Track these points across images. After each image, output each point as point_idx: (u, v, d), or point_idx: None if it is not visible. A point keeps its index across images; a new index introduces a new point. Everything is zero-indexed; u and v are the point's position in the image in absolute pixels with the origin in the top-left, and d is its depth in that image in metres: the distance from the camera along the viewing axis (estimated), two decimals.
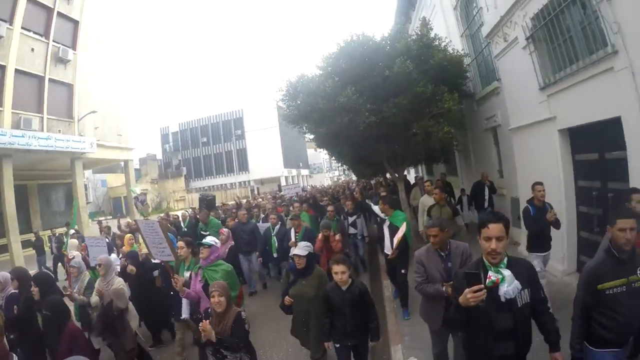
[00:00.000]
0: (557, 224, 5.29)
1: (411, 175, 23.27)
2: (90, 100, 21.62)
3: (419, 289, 4.05)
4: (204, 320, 3.51)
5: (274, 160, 50.94)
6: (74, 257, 6.36)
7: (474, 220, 10.25)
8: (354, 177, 39.05)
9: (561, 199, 6.23)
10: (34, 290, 4.88)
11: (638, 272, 2.79)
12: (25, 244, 16.94)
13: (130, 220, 14.11)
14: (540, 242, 5.37)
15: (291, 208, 10.33)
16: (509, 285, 2.42)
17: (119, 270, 6.39)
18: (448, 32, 11.87)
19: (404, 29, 14.81)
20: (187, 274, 5.36)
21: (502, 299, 2.44)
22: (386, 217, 6.68)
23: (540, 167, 6.94)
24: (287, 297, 4.80)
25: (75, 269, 5.93)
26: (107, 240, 8.47)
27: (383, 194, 8.88)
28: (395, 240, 6.06)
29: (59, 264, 12.78)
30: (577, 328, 2.95)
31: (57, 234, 14.64)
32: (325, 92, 8.74)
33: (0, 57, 16.49)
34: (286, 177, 52.58)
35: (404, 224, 6.17)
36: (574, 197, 6.22)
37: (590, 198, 5.89)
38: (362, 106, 8.57)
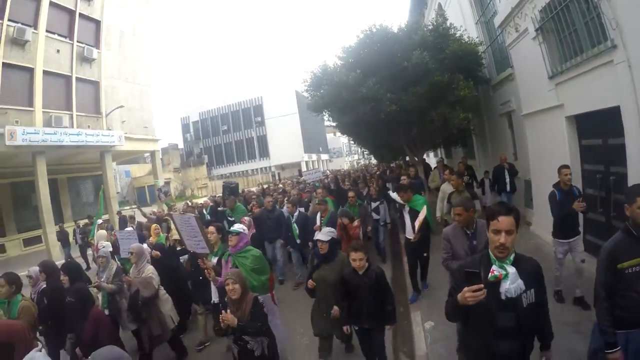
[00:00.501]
0: (585, 212, 5.12)
1: (431, 158, 23.63)
2: (116, 96, 22.46)
3: (445, 264, 4.29)
4: (223, 312, 3.65)
5: (294, 146, 51.60)
6: (103, 247, 6.54)
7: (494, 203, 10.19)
8: (373, 161, 39.51)
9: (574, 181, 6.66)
10: (64, 279, 4.97)
11: None
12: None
13: (156, 210, 14.72)
14: (565, 228, 5.23)
15: (314, 194, 10.42)
16: (511, 284, 2.36)
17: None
18: (463, 19, 12.18)
19: (420, 19, 15.21)
20: (214, 260, 5.45)
21: (503, 297, 2.37)
22: (405, 203, 6.73)
23: (550, 151, 7.35)
24: (310, 280, 4.85)
25: (103, 259, 6.09)
26: (135, 232, 8.44)
27: (403, 179, 8.85)
28: (417, 223, 6.14)
29: (88, 251, 13.51)
30: (604, 311, 2.90)
31: (80, 226, 15.39)
32: (348, 84, 9.36)
33: (27, 60, 17.27)
34: (306, 162, 53.15)
35: (424, 207, 6.29)
36: (581, 180, 6.62)
37: (594, 181, 6.29)
38: (382, 95, 9.23)
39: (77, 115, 19.71)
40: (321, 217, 7.87)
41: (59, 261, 8.18)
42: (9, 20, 16.30)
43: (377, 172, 18.97)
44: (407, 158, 15.53)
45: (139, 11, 25.35)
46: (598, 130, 6.05)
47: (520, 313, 2.37)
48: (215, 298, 5.60)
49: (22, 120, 16.79)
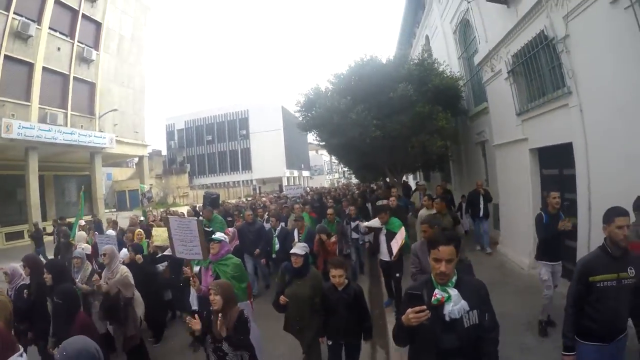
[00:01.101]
0: (570, 234, 5.34)
1: (410, 180, 24.64)
2: (110, 98, 23.01)
3: (413, 278, 4.50)
4: (188, 317, 3.68)
5: (277, 161, 51.98)
6: (82, 249, 6.68)
7: (471, 227, 10.87)
8: (354, 180, 40.42)
9: (530, 205, 7.56)
10: (47, 277, 4.87)
11: (628, 270, 2.99)
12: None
13: (134, 216, 14.52)
14: (549, 250, 5.31)
15: (293, 209, 10.55)
16: (454, 305, 2.43)
17: (122, 260, 6.48)
18: (447, 53, 13.28)
19: (407, 52, 16.46)
20: (196, 268, 5.50)
21: (447, 318, 2.44)
22: (382, 226, 6.90)
23: (516, 179, 8.28)
24: (281, 296, 4.80)
25: (79, 260, 6.16)
26: (115, 236, 8.45)
27: (392, 200, 9.11)
28: (397, 245, 6.29)
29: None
30: (569, 317, 3.14)
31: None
32: (339, 109, 10.25)
33: (29, 55, 17.74)
34: (288, 178, 53.57)
35: (402, 229, 6.49)
36: (540, 204, 7.55)
37: None
38: (369, 122, 10.14)
39: (71, 114, 20.21)
40: (299, 233, 8.06)
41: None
42: (14, 13, 16.80)
43: (357, 192, 19.61)
44: (387, 179, 16.49)
45: (139, 17, 26.10)
46: (555, 162, 7.00)
47: (461, 334, 2.43)
48: (194, 305, 5.67)
49: (18, 114, 17.21)
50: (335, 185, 50.83)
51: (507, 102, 8.27)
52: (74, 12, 20.50)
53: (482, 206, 9.61)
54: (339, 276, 4.19)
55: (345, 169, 29.02)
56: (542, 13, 6.44)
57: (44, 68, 18.54)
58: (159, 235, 7.45)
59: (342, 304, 4.22)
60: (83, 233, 9.28)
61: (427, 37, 16.64)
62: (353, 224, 9.15)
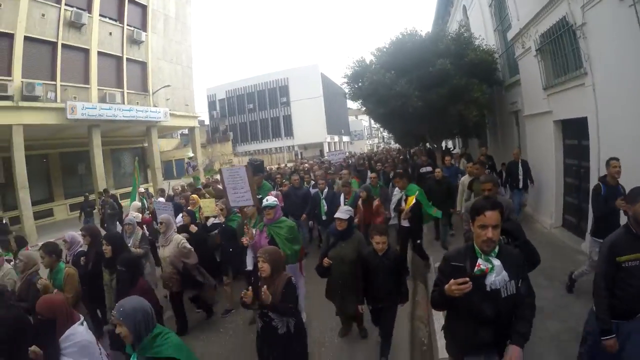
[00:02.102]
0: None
1: (450, 145, 25.46)
2: (161, 75, 24.47)
3: (466, 236, 4.36)
4: (250, 289, 3.67)
5: (318, 126, 53.11)
6: (134, 216, 7.23)
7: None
8: (394, 145, 41.25)
9: (553, 172, 8.50)
10: (107, 248, 5.04)
11: None
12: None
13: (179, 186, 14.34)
14: (607, 227, 4.49)
15: (339, 175, 10.60)
16: (497, 276, 2.44)
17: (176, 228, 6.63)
18: (484, 24, 13.89)
19: (444, 27, 17.26)
20: (252, 231, 5.61)
21: (488, 289, 2.46)
22: (402, 192, 7.25)
23: (542, 147, 9.22)
24: (325, 258, 4.83)
25: (130, 226, 6.58)
26: (170, 204, 8.53)
27: (437, 171, 9.11)
28: (407, 205, 6.76)
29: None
30: (603, 300, 3.09)
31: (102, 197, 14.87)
32: (384, 83, 11.40)
33: (84, 42, 19.21)
34: (328, 143, 54.78)
35: (417, 192, 6.88)
36: (562, 170, 8.48)
37: (572, 172, 8.17)
38: (412, 93, 11.25)
39: (127, 92, 21.79)
40: (345, 198, 8.13)
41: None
42: (66, 4, 18.06)
43: (401, 157, 19.74)
44: (427, 145, 17.53)
45: None
46: (575, 133, 7.88)
47: (499, 304, 2.47)
48: (250, 266, 5.76)
49: (80, 96, 18.83)
50: (375, 150, 51.45)
51: (535, 77, 9.11)
52: None
53: (521, 177, 9.30)
54: (382, 242, 4.30)
55: (385, 134, 30.20)
56: (564, 1, 7.22)
57: (99, 52, 20.01)
58: (207, 206, 7.81)
59: (383, 268, 4.33)
60: (137, 203, 9.54)
61: (464, 7, 17.10)
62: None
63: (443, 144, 18.22)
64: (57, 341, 3.08)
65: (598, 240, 4.83)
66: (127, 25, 21.94)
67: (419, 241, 7.41)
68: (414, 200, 6.75)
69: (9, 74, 15.78)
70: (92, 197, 15.57)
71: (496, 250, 2.50)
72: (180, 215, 7.49)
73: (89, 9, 19.45)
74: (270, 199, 5.41)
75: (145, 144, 26.28)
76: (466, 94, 11.32)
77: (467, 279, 2.33)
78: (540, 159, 9.44)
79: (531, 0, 8.67)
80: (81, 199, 19.55)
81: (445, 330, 2.89)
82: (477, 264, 2.44)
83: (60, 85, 17.90)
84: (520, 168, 9.28)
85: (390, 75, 11.60)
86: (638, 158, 5.54)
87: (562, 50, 7.87)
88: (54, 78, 17.75)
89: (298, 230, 5.79)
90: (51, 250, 4.82)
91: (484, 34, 13.64)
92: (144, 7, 23.44)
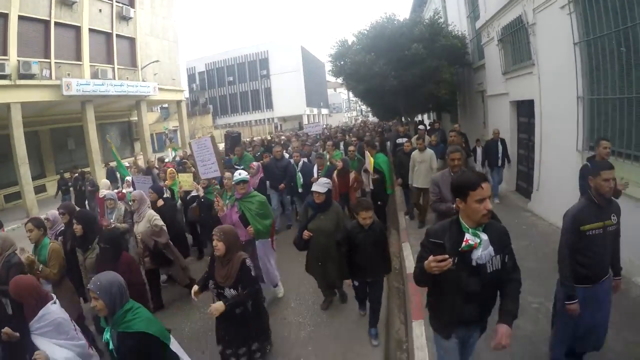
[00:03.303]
0: (617, 194, 4.10)
1: (425, 120, 27.17)
2: (149, 51, 25.15)
3: (433, 206, 4.67)
4: (211, 305, 3.60)
5: (297, 99, 53.81)
6: (110, 194, 6.88)
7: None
8: (371, 118, 42.76)
9: (510, 145, 10.06)
10: (77, 227, 4.89)
11: (612, 217, 3.20)
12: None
13: (151, 160, 14.77)
14: (594, 210, 4.04)
15: (317, 145, 11.65)
16: (483, 250, 2.40)
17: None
18: (459, 11, 15.34)
19: (422, 13, 18.92)
20: (221, 202, 5.60)
21: (474, 263, 2.42)
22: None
23: (501, 123, 10.74)
24: (305, 231, 4.88)
25: (112, 201, 6.55)
26: (150, 178, 8.71)
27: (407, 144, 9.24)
28: (368, 166, 7.68)
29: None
30: (567, 267, 3.26)
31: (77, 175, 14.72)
32: (365, 63, 12.96)
33: (74, 19, 19.75)
34: (307, 116, 55.67)
35: (378, 159, 7.94)
36: (517, 143, 10.07)
37: (524, 145, 9.80)
38: (389, 73, 12.81)
39: (118, 68, 22.49)
40: (318, 169, 8.34)
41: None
42: None
43: (378, 130, 20.45)
44: (402, 118, 19.19)
45: None
46: (526, 112, 9.44)
47: (484, 278, 2.44)
48: None
49: (73, 73, 19.50)
50: (353, 122, 52.68)
51: (497, 63, 10.63)
52: None
53: (500, 155, 9.55)
54: (369, 217, 4.26)
55: (364, 108, 31.93)
56: (520, 3, 8.63)
57: (89, 30, 20.60)
58: (185, 180, 7.84)
59: (369, 241, 4.29)
60: (106, 181, 9.29)
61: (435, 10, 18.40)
62: None
63: (417, 118, 19.90)
64: (27, 323, 3.18)
65: None
66: (116, 1, 22.47)
67: (379, 203, 7.96)
68: (372, 163, 7.57)
69: (5, 53, 16.38)
70: (66, 175, 15.59)
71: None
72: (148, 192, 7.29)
73: None
74: (243, 173, 5.41)
75: (131, 118, 27.24)
76: (437, 74, 12.91)
77: (447, 256, 2.28)
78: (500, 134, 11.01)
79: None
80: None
81: (429, 306, 2.84)
82: (465, 239, 2.39)
83: (55, 62, 18.55)
84: (500, 146, 9.57)
85: (370, 57, 13.08)
86: (568, 137, 7.08)
87: (518, 42, 9.35)
88: (47, 56, 18.37)
89: (269, 203, 5.60)
90: (39, 224, 4.84)
91: (458, 19, 15.13)
92: None
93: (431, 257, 2.31)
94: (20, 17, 16.97)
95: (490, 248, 2.43)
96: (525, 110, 9.50)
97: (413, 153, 8.37)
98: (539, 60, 8.20)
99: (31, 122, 20.36)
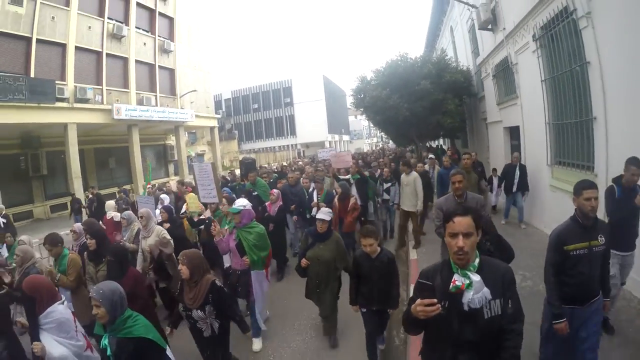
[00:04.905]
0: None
1: (437, 144, 29.02)
2: (186, 80, 27.82)
3: (437, 232, 4.40)
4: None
5: (320, 126, 55.30)
6: (114, 215, 7.87)
7: (502, 202, 10.91)
8: (391, 144, 44.62)
9: (503, 164, 11.60)
10: (91, 242, 5.10)
11: (599, 238, 3.18)
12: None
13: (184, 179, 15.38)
14: (621, 235, 4.21)
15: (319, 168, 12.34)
16: (475, 293, 2.10)
17: (159, 220, 6.96)
18: (465, 45, 17.18)
19: (431, 54, 21.84)
20: (219, 227, 5.53)
21: (466, 308, 2.12)
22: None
23: (497, 146, 12.41)
24: (303, 259, 4.94)
25: (125, 220, 6.84)
26: (152, 198, 8.74)
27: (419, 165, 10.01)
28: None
29: None
30: (553, 286, 3.26)
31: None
32: (381, 98, 15.00)
33: (123, 51, 22.48)
34: (329, 142, 56.63)
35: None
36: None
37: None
38: (402, 106, 14.76)
39: (159, 96, 25.03)
40: (318, 194, 8.28)
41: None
42: (108, 18, 21.23)
43: (390, 156, 20.81)
44: (414, 146, 21.29)
45: (201, 7, 30.45)
46: (515, 136, 11.09)
47: (481, 326, 2.13)
48: (227, 263, 5.91)
49: (121, 99, 21.99)
50: (373, 149, 54.02)
51: (492, 95, 12.42)
52: (152, 11, 25.08)
53: (516, 180, 9.28)
54: (369, 245, 4.17)
55: (382, 135, 34.24)
56: (505, 47, 10.42)
57: (136, 61, 23.26)
58: (192, 203, 7.72)
59: (376, 271, 4.22)
60: (112, 202, 9.57)
61: (451, 28, 20.30)
62: (385, 186, 9.64)
63: (430, 144, 22.32)
64: (37, 317, 3.48)
65: (617, 254, 4.29)
66: (158, 36, 25.18)
67: (362, 218, 8.65)
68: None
69: (64, 79, 18.85)
70: (77, 195, 16.82)
71: (476, 263, 2.19)
72: (158, 210, 7.69)
73: (126, 21, 22.62)
74: (238, 203, 5.37)
75: (167, 142, 29.45)
76: (443, 106, 14.81)
77: (435, 300, 1.99)
78: (497, 155, 12.68)
79: (489, 41, 11.93)
80: (111, 190, 21.44)
81: (421, 355, 2.53)
82: (453, 279, 2.13)
83: (106, 89, 21.07)
84: (517, 172, 9.29)
85: (386, 92, 15.19)
86: (541, 154, 8.72)
87: (507, 78, 11.15)
88: (100, 83, 20.93)
89: (267, 236, 5.54)
90: (57, 240, 5.13)
91: (465, 54, 17.05)
92: (171, 19, 26.77)
93: (418, 301, 2.02)
94: (77, 48, 19.56)
95: (486, 290, 2.12)
96: (514, 134, 11.16)
97: (402, 176, 8.85)
98: (521, 93, 9.94)
99: (79, 142, 22.62)
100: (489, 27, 11.39)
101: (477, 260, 2.20)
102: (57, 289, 4.16)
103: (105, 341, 2.91)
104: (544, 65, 8.31)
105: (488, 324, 2.13)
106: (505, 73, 11.19)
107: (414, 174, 8.67)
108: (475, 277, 2.12)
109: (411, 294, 5.37)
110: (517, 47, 9.63)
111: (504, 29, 10.21)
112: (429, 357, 2.44)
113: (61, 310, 3.66)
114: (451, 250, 2.17)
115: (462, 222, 2.12)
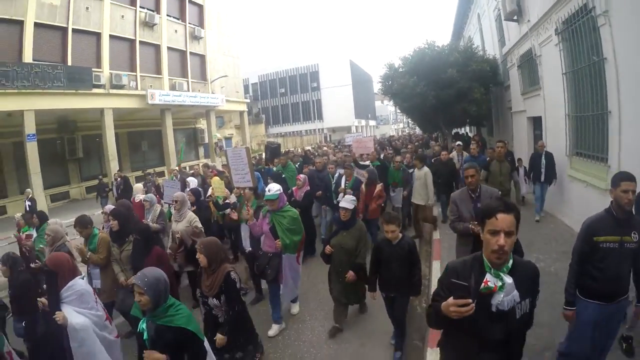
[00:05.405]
0: None
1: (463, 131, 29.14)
2: (217, 66, 28.47)
3: (451, 225, 4.44)
4: (218, 334, 3.76)
5: (346, 111, 55.13)
6: (141, 196, 7.79)
7: (529, 192, 10.54)
8: (418, 130, 44.67)
9: (526, 154, 11.82)
10: (113, 223, 5.18)
11: (632, 235, 3.02)
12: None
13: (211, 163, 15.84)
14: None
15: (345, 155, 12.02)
16: (505, 296, 2.01)
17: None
18: (491, 33, 17.26)
19: (457, 41, 22.14)
20: (251, 211, 5.63)
21: (493, 309, 2.03)
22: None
23: (521, 135, 12.64)
24: (327, 246, 4.98)
25: (148, 202, 6.89)
26: (178, 182, 8.81)
27: (444, 154, 10.33)
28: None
29: None
30: (572, 274, 3.24)
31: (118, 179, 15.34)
32: (408, 85, 15.32)
33: (155, 38, 23.22)
34: (356, 127, 56.75)
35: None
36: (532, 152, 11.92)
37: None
38: (428, 94, 15.09)
39: (191, 81, 25.72)
40: (346, 181, 8.24)
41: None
42: (140, 7, 21.92)
43: (416, 144, 20.79)
44: (440, 133, 21.52)
45: None
46: (538, 126, 11.32)
47: (510, 325, 2.07)
48: (248, 247, 6.02)
49: (154, 85, 22.73)
50: (400, 134, 53.78)
51: (518, 84, 12.62)
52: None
53: (543, 169, 8.94)
54: (391, 231, 4.22)
55: (409, 120, 34.58)
56: (529, 38, 10.61)
57: (168, 48, 23.93)
58: (217, 187, 7.69)
59: (396, 257, 4.26)
60: (139, 185, 9.70)
61: (478, 15, 20.28)
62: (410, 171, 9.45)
63: (456, 131, 22.69)
64: (58, 290, 3.68)
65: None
66: (189, 23, 25.78)
67: (383, 205, 8.43)
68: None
69: (99, 66, 19.69)
70: (105, 179, 17.37)
71: (509, 264, 2.06)
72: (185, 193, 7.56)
73: (157, 10, 23.27)
74: (273, 189, 5.27)
75: (197, 125, 30.22)
76: (469, 94, 15.01)
77: (470, 300, 1.89)
78: (521, 145, 12.90)
79: (515, 31, 12.10)
80: (141, 172, 21.31)
81: (441, 348, 2.47)
82: (485, 279, 2.01)
83: (140, 75, 21.87)
84: (543, 160, 8.97)
85: (413, 79, 15.42)
86: (561, 145, 8.95)
87: (531, 69, 11.36)
88: (133, 69, 21.74)
89: (300, 220, 5.50)
90: (87, 222, 5.32)
91: (491, 43, 17.15)
92: (200, 7, 27.30)
93: (451, 300, 1.95)
94: (111, 36, 20.32)
95: (516, 293, 2.04)
96: (537, 124, 11.40)
97: (414, 171, 8.98)
98: (543, 85, 10.18)
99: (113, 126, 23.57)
100: (515, 18, 11.55)
101: (511, 261, 2.09)
102: (76, 266, 4.19)
103: (143, 325, 2.90)
104: (565, 58, 8.53)
105: (518, 323, 2.11)
106: (529, 64, 11.38)
107: (426, 169, 8.77)
108: (508, 280, 2.03)
109: (433, 278, 6.01)
110: (540, 39, 9.84)
111: (529, 21, 10.42)
112: (451, 352, 2.37)
113: (81, 283, 3.85)
114: (489, 248, 2.04)
115: (505, 220, 1.99)
